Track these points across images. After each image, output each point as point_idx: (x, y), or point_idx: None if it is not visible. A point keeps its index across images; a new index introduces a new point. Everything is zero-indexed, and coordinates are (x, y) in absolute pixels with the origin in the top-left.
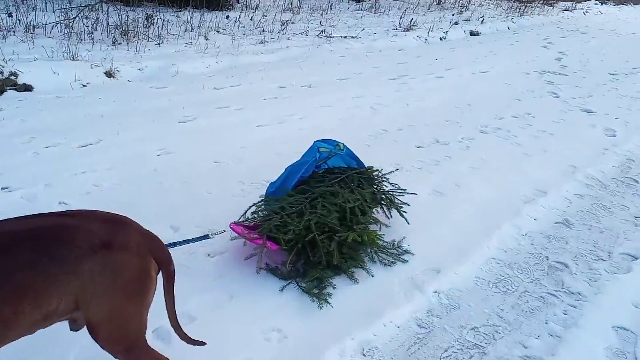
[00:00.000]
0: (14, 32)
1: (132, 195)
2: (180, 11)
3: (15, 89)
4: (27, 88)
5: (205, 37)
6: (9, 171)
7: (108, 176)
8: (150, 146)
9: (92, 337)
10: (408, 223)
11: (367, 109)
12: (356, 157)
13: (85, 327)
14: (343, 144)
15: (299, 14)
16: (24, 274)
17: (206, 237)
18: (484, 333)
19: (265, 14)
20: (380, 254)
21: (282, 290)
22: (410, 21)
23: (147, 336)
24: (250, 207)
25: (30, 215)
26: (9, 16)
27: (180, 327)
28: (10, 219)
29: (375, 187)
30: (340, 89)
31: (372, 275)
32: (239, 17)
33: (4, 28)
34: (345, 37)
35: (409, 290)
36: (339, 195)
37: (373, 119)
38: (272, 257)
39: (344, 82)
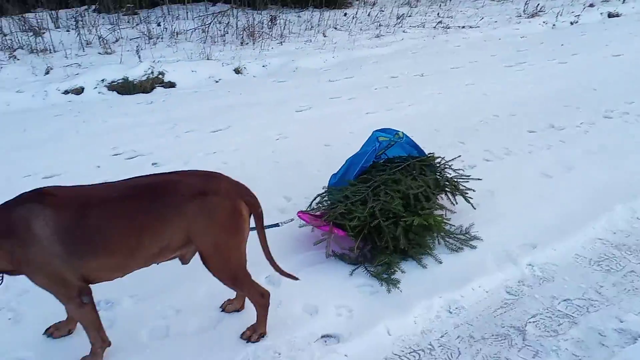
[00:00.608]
0: (161, 38)
1: (253, 171)
2: (301, 11)
3: (162, 86)
4: (171, 85)
5: (323, 34)
6: (158, 151)
7: (234, 156)
8: (270, 132)
9: (206, 267)
10: (474, 208)
11: (479, 95)
12: (416, 145)
13: (189, 263)
14: (402, 132)
15: (416, 7)
16: (145, 215)
17: (276, 225)
18: (577, 305)
19: (382, 9)
20: (447, 239)
21: (351, 274)
22: (537, 7)
23: (260, 281)
24: (315, 198)
25: (150, 174)
26: (157, 25)
27: (274, 259)
28: (137, 176)
29: (438, 174)
30: (453, 77)
31: (441, 262)
32: (356, 13)
33: (154, 36)
34: (463, 27)
35: (502, 262)
36: (402, 183)
37: (484, 104)
38: (339, 243)
39: (457, 70)
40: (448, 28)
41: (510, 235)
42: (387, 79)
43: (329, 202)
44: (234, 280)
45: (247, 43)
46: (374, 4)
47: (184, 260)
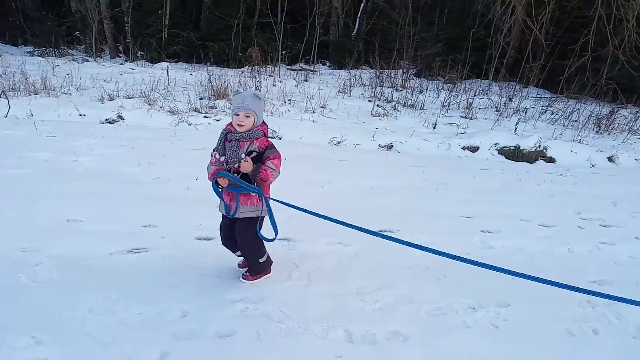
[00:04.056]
0: (507, 114)
1: None
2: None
3: (543, 160)
4: (551, 160)
5: None
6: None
7: None
8: None
9: None
10: None
11: None
12: None
13: None
14: None
15: None
16: None
17: None
18: None
19: None
20: None
21: None
22: None
23: None
24: None
25: None
26: (509, 100)
27: None
28: None
29: None
30: None
31: None
32: None
33: (501, 108)
34: None
35: None
36: None
37: None
38: None
39: None
40: None
41: None
42: None
43: None
44: None
45: (601, 132)
46: None
47: None
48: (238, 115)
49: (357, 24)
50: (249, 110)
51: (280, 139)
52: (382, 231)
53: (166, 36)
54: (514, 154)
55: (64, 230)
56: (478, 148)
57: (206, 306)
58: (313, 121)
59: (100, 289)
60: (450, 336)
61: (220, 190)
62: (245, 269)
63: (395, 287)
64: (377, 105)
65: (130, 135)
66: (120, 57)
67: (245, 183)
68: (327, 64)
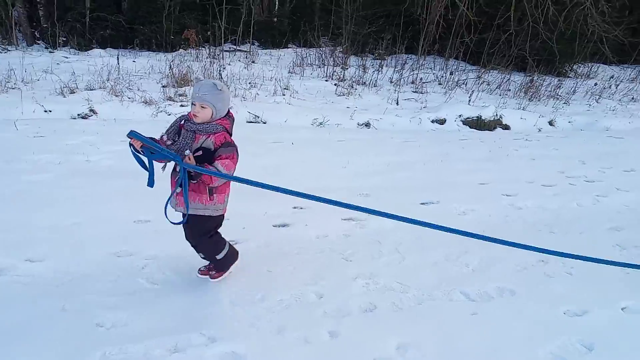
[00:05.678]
0: (451, 86)
1: None
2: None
3: (500, 127)
4: (506, 127)
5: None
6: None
7: None
8: None
9: None
10: None
11: None
12: None
13: None
14: None
15: None
16: None
17: None
18: None
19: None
20: None
21: None
22: None
23: None
24: None
25: None
26: (450, 74)
27: None
28: None
29: None
30: None
31: None
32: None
33: (443, 81)
34: None
35: None
36: None
37: None
38: None
39: None
40: None
41: None
42: None
43: None
44: None
45: (532, 99)
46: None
47: None
48: (194, 105)
49: (277, 3)
50: (205, 101)
51: (264, 123)
52: (425, 204)
53: (89, 20)
54: (477, 124)
55: (140, 232)
56: (445, 120)
57: (332, 285)
58: (289, 104)
59: (225, 283)
60: (547, 285)
61: (139, 156)
62: (206, 275)
63: (471, 252)
64: (335, 84)
65: (123, 130)
66: (39, 44)
67: (160, 147)
68: (256, 44)
